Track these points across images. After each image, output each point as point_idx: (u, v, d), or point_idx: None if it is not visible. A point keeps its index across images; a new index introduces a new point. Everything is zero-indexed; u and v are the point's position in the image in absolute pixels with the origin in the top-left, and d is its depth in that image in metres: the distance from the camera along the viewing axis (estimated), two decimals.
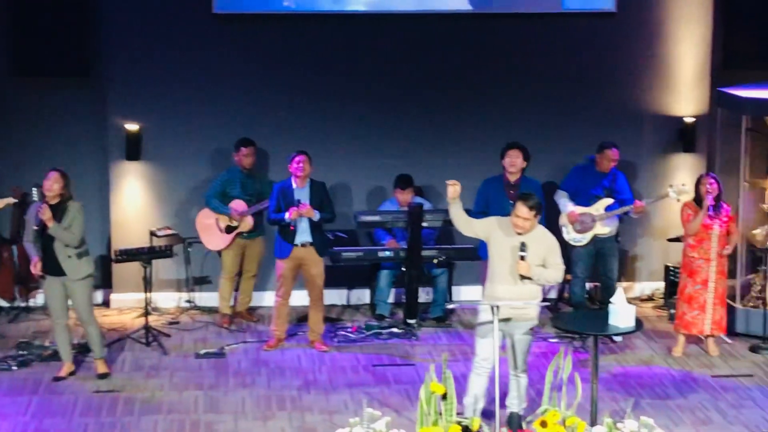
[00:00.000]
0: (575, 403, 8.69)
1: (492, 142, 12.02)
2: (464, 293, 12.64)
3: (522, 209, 8.85)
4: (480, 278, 10.43)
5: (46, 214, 9.99)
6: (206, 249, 12.19)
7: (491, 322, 8.69)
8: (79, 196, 10.34)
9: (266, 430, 9.37)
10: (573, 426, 8.38)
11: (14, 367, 10.66)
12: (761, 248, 11.76)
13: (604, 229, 11.65)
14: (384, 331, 11.68)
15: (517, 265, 8.83)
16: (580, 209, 11.65)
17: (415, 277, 11.72)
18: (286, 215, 10.93)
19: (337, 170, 12.36)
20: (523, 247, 8.82)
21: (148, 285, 11.61)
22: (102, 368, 10.46)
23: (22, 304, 12.38)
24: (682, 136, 12.86)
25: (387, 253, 11.87)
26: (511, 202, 9.65)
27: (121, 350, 11.20)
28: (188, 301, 12.57)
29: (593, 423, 8.78)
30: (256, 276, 12.22)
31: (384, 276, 12.13)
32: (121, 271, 12.34)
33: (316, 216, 10.97)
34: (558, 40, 12.62)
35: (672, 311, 11.85)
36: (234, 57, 12.36)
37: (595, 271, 11.90)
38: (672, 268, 12.52)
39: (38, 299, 12.29)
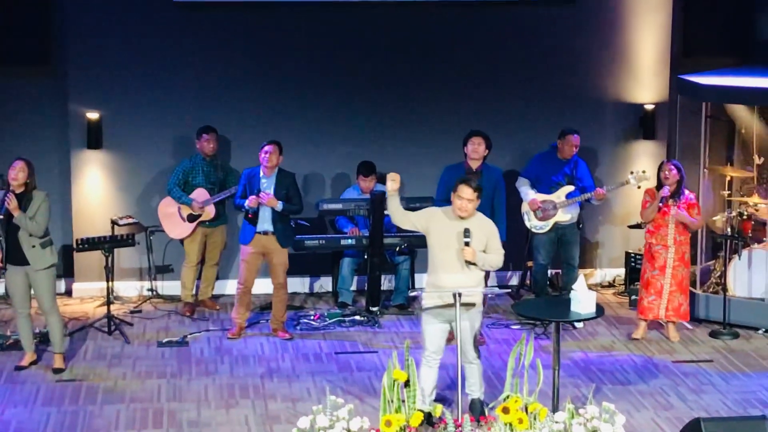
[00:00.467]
0: (537, 389, 8.74)
1: (454, 130, 12.03)
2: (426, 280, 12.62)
3: (466, 191, 8.82)
4: None
5: (13, 203, 9.94)
6: (168, 237, 12.17)
7: (436, 307, 8.75)
8: (40, 184, 10.26)
9: (229, 418, 9.36)
10: (535, 412, 8.40)
11: None
12: (720, 234, 11.85)
13: (566, 216, 11.68)
14: (347, 318, 11.68)
15: (463, 251, 8.83)
16: (541, 197, 11.67)
17: (377, 265, 11.74)
18: (246, 202, 10.94)
19: (300, 158, 12.32)
20: (467, 232, 8.80)
21: (110, 274, 11.57)
22: (59, 363, 10.34)
23: None
24: (642, 123, 12.91)
25: (349, 240, 11.87)
26: None
27: (83, 339, 11.16)
28: (150, 290, 12.54)
29: (555, 409, 8.79)
30: (218, 264, 12.21)
31: (346, 264, 12.13)
32: (83, 260, 12.29)
33: (279, 206, 10.95)
34: (519, 28, 12.64)
35: (634, 297, 11.93)
36: (195, 45, 12.31)
37: (556, 257, 11.94)
38: (633, 255, 12.59)
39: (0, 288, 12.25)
